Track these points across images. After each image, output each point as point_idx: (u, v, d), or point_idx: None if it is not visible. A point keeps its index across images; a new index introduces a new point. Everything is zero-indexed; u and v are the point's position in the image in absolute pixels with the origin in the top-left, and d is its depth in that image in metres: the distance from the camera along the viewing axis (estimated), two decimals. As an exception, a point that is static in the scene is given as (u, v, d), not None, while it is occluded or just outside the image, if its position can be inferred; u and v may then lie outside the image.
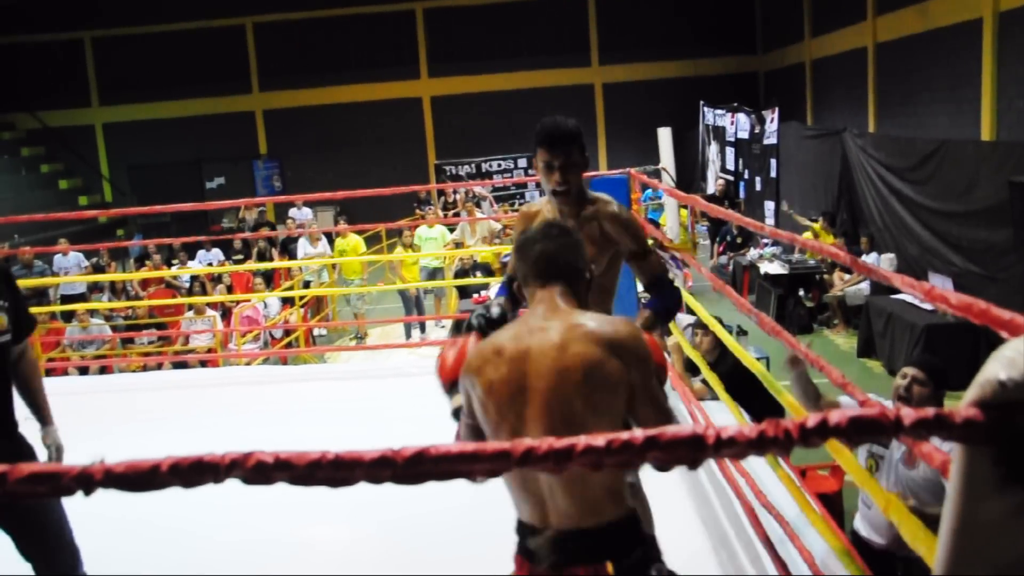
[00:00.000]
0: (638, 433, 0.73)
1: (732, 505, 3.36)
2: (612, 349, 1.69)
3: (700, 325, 4.63)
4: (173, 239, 10.99)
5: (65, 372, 7.84)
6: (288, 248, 11.68)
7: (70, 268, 11.20)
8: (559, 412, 1.69)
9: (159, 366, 7.87)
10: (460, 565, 2.85)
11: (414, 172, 19.34)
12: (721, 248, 12.37)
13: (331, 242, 11.36)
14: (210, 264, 11.18)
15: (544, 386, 1.70)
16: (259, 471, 0.71)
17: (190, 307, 9.11)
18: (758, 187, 13.71)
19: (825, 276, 9.89)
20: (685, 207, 10.73)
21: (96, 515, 2.65)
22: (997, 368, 0.81)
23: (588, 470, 1.59)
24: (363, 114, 20.43)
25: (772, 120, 12.99)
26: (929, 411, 0.78)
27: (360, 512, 3.35)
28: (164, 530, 3.41)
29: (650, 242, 2.85)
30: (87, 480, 0.72)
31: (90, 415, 5.09)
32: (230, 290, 9.97)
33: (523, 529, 1.81)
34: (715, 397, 4.00)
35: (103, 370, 7.95)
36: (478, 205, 14.01)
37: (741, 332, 6.59)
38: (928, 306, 7.36)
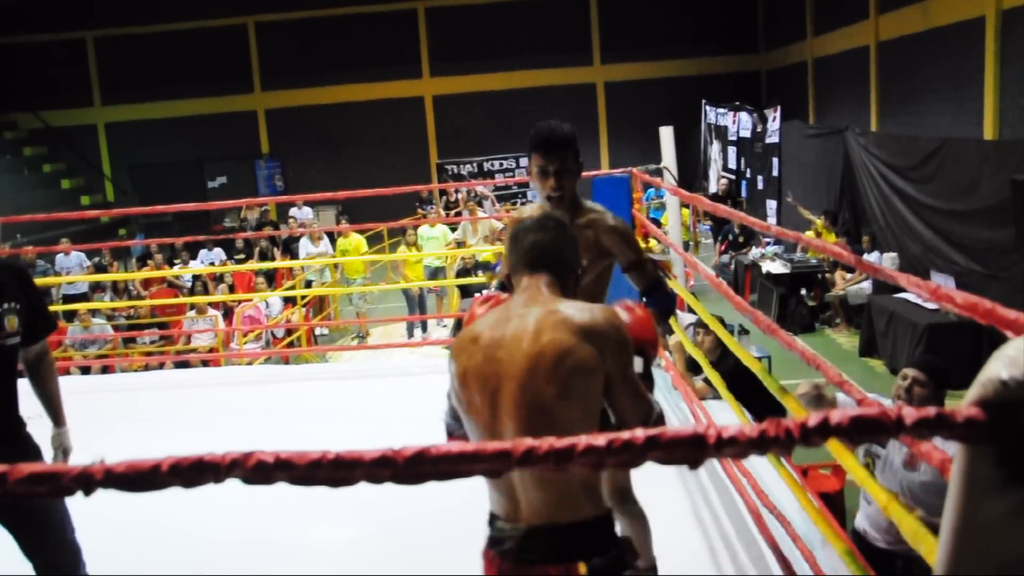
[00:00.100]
0: (639, 433, 0.73)
1: (734, 504, 3.36)
2: (587, 336, 1.67)
3: (702, 324, 4.63)
4: (175, 239, 11.01)
5: (67, 372, 7.84)
6: (290, 248, 11.69)
7: (72, 268, 11.20)
8: (531, 399, 1.67)
9: (161, 366, 7.87)
10: (461, 565, 2.85)
11: (416, 171, 19.34)
12: (723, 247, 12.36)
13: (333, 242, 11.36)
14: (212, 264, 11.18)
15: (516, 373, 1.68)
16: (259, 471, 0.71)
17: (192, 307, 9.12)
18: (760, 186, 13.71)
19: (827, 275, 9.88)
20: (687, 206, 10.74)
21: (98, 515, 2.65)
22: (999, 367, 0.81)
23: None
24: (365, 113, 20.44)
25: (774, 119, 12.99)
26: (930, 410, 0.78)
27: (361, 512, 3.35)
28: (165, 530, 3.41)
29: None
30: (87, 480, 0.72)
31: (92, 415, 5.09)
32: (232, 290, 9.98)
33: (494, 521, 1.77)
34: (717, 396, 4.00)
35: (105, 370, 7.96)
36: (480, 204, 14.02)
37: (743, 331, 6.58)
38: (930, 305, 7.36)
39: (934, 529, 1.82)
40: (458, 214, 13.96)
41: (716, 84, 19.04)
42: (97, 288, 10.70)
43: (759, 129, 13.58)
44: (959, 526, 0.84)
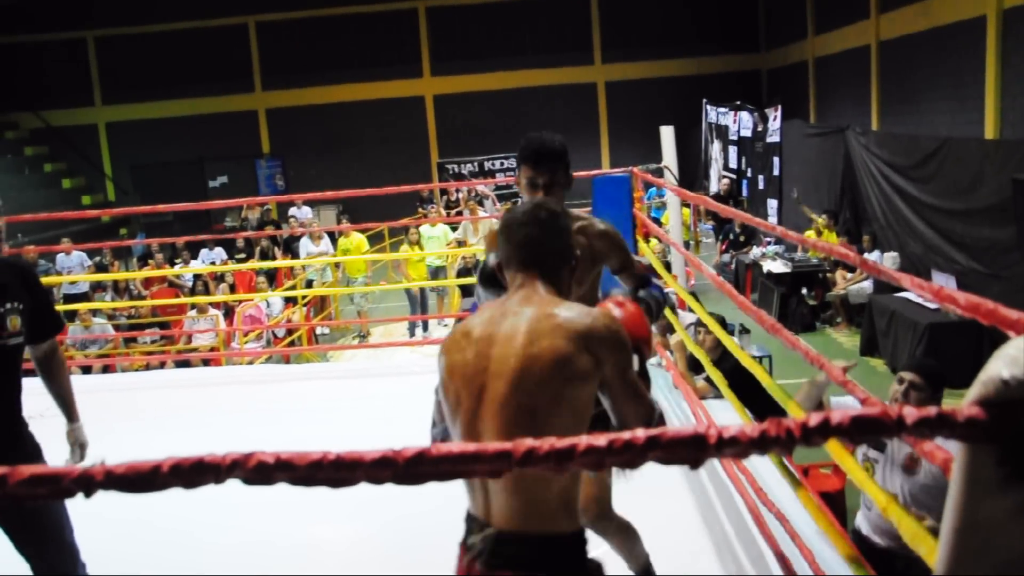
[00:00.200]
0: (639, 433, 0.73)
1: (734, 503, 3.36)
2: (585, 342, 1.64)
3: (703, 323, 4.63)
4: (176, 238, 11.00)
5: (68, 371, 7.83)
6: (291, 247, 11.69)
7: (73, 267, 11.21)
8: (519, 402, 1.63)
9: (162, 365, 7.87)
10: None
11: (417, 171, 19.34)
12: (724, 246, 12.36)
13: (334, 241, 11.36)
14: (213, 263, 11.19)
15: (506, 373, 1.64)
16: (260, 472, 0.71)
17: (193, 306, 9.12)
18: (761, 185, 13.70)
19: (828, 274, 9.88)
20: (687, 206, 10.73)
21: (99, 516, 2.65)
22: (1000, 366, 0.81)
23: (540, 473, 1.59)
24: (366, 113, 20.44)
25: (775, 118, 12.98)
26: (931, 410, 0.78)
27: (363, 511, 3.35)
28: (166, 531, 3.41)
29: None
30: (87, 482, 0.72)
31: (93, 414, 5.08)
32: (233, 289, 9.98)
33: (469, 520, 1.75)
34: (719, 395, 4.00)
35: (106, 369, 7.96)
36: (480, 204, 14.02)
37: (744, 331, 6.58)
38: (931, 304, 7.36)
39: (935, 533, 1.82)
40: (459, 213, 13.97)
41: (717, 83, 19.03)
42: (98, 288, 10.70)
43: (760, 128, 13.57)
44: (960, 525, 0.84)
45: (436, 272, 10.44)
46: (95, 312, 9.13)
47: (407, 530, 3.27)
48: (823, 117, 16.13)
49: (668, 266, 5.94)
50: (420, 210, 15.93)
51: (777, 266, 10.18)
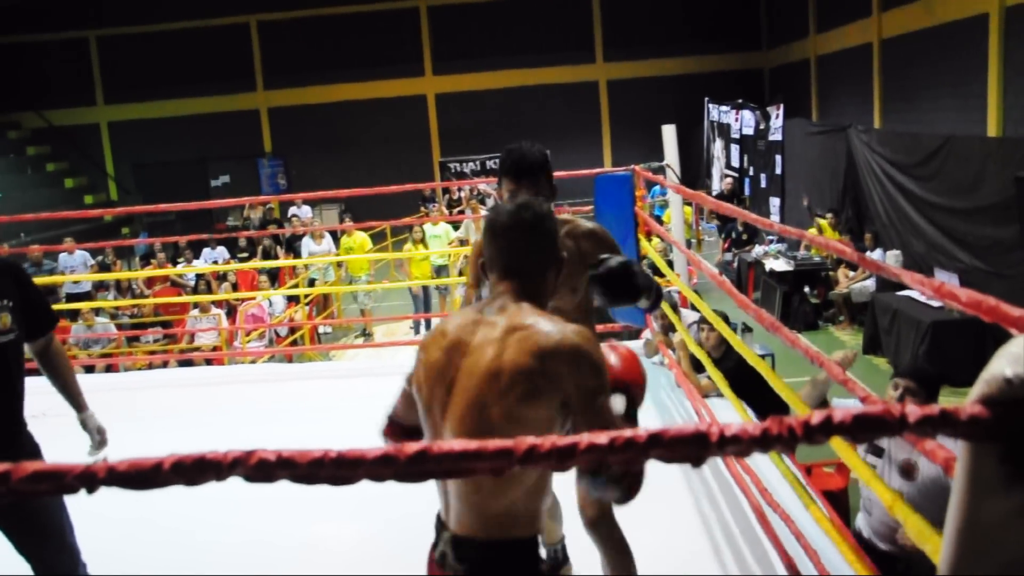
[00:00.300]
0: (640, 431, 0.73)
1: (737, 502, 3.36)
2: (546, 359, 1.58)
3: (705, 321, 4.63)
4: (178, 237, 11.01)
5: (71, 370, 7.84)
6: (293, 246, 11.70)
7: (76, 267, 11.22)
8: (477, 415, 1.61)
9: (165, 364, 7.88)
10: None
11: (419, 169, 19.35)
12: (726, 245, 12.35)
13: (336, 240, 11.36)
14: (215, 262, 11.19)
15: (470, 389, 1.62)
16: (261, 469, 0.71)
17: (195, 305, 9.12)
18: (763, 184, 13.69)
19: (830, 273, 9.87)
20: (689, 204, 10.72)
21: (101, 515, 2.65)
22: (1003, 364, 0.81)
23: (491, 480, 1.59)
24: (368, 112, 20.44)
25: (777, 116, 12.96)
26: (934, 408, 0.78)
27: (366, 509, 3.35)
28: (168, 530, 3.41)
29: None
30: (90, 479, 0.72)
31: (96, 413, 5.10)
32: (235, 288, 9.99)
33: (437, 523, 1.77)
34: (721, 393, 4.00)
35: (109, 368, 7.97)
36: (483, 202, 14.01)
37: (746, 329, 6.57)
38: (934, 302, 7.35)
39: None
40: (461, 212, 13.98)
41: (719, 82, 19.02)
42: (101, 287, 10.71)
43: (762, 127, 13.56)
44: (963, 525, 0.84)
45: (438, 271, 10.44)
46: (98, 311, 9.14)
47: (409, 529, 3.26)
48: (825, 115, 16.11)
49: (671, 264, 5.94)
50: (422, 209, 15.94)
51: (779, 264, 10.17)
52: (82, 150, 20.45)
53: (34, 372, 2.71)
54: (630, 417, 1.67)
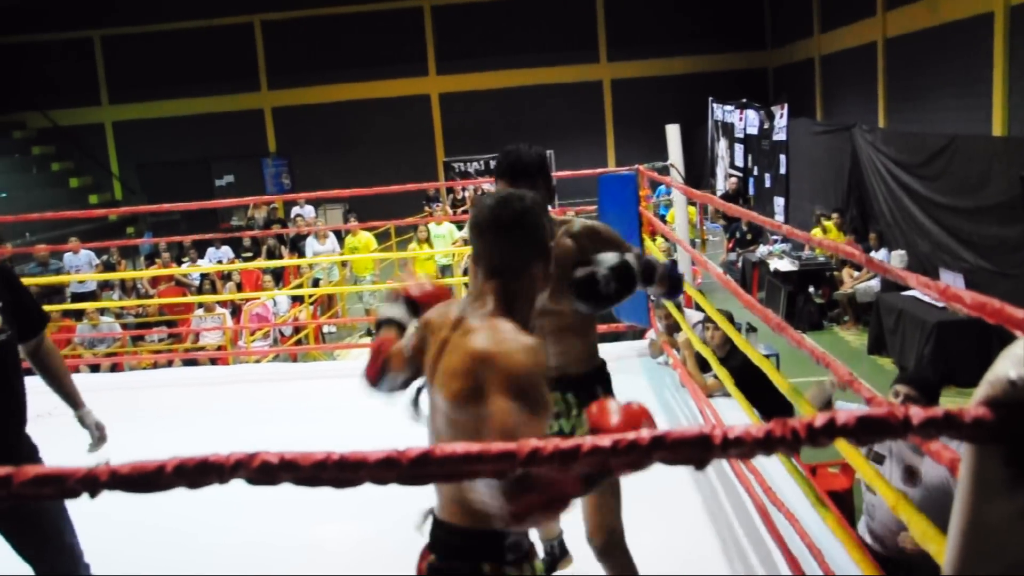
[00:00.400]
0: (644, 433, 0.73)
1: (742, 502, 3.35)
2: (477, 365, 1.57)
3: (710, 320, 4.62)
4: (183, 237, 11.03)
5: (76, 370, 7.87)
6: (297, 246, 11.71)
7: (81, 266, 11.24)
8: (443, 420, 1.67)
9: (169, 363, 7.90)
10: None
11: (423, 169, 19.36)
12: (730, 245, 12.34)
13: (340, 240, 11.38)
14: (220, 262, 11.21)
15: (439, 391, 1.67)
16: (264, 472, 0.71)
17: (200, 305, 9.15)
18: (767, 183, 13.68)
19: (835, 273, 9.86)
20: (693, 204, 10.71)
21: (104, 516, 2.65)
22: (1007, 366, 0.80)
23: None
24: (371, 111, 20.45)
25: (781, 116, 12.95)
26: (938, 410, 0.77)
27: (370, 509, 3.35)
28: (171, 531, 3.42)
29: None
30: (92, 482, 0.72)
31: (101, 412, 5.11)
32: (240, 288, 10.00)
33: (430, 513, 1.82)
34: (727, 392, 4.00)
35: (114, 367, 7.99)
36: (487, 202, 13.99)
37: (751, 329, 6.57)
38: (939, 303, 7.32)
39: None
40: (465, 212, 13.96)
41: (723, 81, 19.00)
42: (106, 286, 10.74)
43: (766, 126, 13.54)
44: (967, 527, 0.84)
45: (443, 270, 10.45)
46: (103, 311, 9.16)
47: (412, 530, 3.27)
48: (830, 115, 16.08)
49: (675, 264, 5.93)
50: (426, 208, 15.94)
51: (784, 264, 10.16)
52: (87, 150, 20.49)
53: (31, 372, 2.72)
54: (592, 479, 1.48)
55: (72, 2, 19.77)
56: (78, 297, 10.59)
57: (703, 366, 4.60)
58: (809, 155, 12.20)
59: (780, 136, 12.94)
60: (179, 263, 11.62)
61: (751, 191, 14.44)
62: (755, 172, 14.39)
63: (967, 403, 0.82)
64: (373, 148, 20.36)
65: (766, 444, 0.74)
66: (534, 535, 1.92)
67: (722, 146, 16.26)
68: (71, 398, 2.75)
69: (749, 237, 11.85)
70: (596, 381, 2.52)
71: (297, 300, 10.01)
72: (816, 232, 9.71)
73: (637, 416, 1.45)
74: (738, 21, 20.06)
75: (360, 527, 3.47)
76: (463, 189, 15.71)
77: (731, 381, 3.44)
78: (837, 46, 15.63)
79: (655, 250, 5.52)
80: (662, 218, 11.08)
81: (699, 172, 16.88)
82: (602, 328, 5.34)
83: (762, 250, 11.19)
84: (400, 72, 20.40)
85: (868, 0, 13.71)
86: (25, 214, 7.75)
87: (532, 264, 1.71)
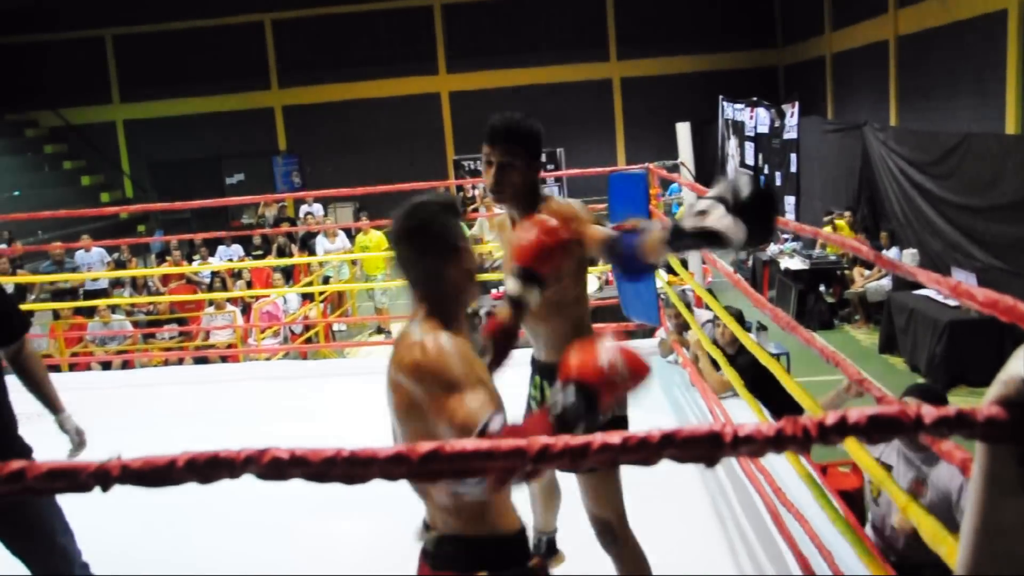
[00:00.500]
0: (654, 431, 0.73)
1: (752, 502, 3.34)
2: (405, 375, 1.65)
3: (718, 317, 4.62)
4: (194, 235, 11.06)
5: (88, 367, 7.91)
6: (308, 244, 11.74)
7: (93, 264, 11.31)
8: (401, 433, 1.75)
9: (180, 361, 7.93)
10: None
11: (433, 167, 19.37)
12: (740, 243, 12.28)
13: (351, 237, 11.40)
14: (230, 260, 11.25)
15: (391, 409, 1.76)
16: (274, 467, 0.72)
17: (211, 303, 9.18)
18: (778, 182, 13.63)
19: (846, 272, 9.82)
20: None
21: (106, 515, 2.67)
22: (1020, 365, 0.80)
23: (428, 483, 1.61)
24: (382, 110, 20.47)
25: (792, 114, 12.90)
26: (950, 409, 0.77)
27: (380, 505, 3.35)
28: (172, 532, 3.43)
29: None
30: (104, 476, 0.73)
31: (112, 409, 5.15)
32: (250, 286, 10.03)
33: (423, 526, 1.84)
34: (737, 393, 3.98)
35: (125, 365, 8.03)
36: (497, 201, 14.00)
37: (761, 328, 6.55)
38: (951, 302, 7.29)
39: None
40: (475, 210, 13.96)
41: (733, 79, 18.93)
42: (117, 284, 10.79)
43: (777, 125, 13.50)
44: (980, 526, 0.83)
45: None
46: (114, 308, 9.21)
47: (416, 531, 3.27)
48: (841, 113, 16.00)
49: (684, 263, 5.92)
50: (436, 207, 15.93)
51: (795, 263, 10.13)
52: (98, 148, 20.58)
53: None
54: (586, 416, 1.47)
55: (83, 1, 19.85)
56: (90, 295, 10.65)
57: (716, 365, 4.59)
58: (820, 154, 12.15)
59: (791, 134, 12.89)
60: (190, 261, 11.66)
61: (762, 190, 14.37)
62: (765, 171, 14.34)
63: (979, 403, 0.81)
64: (383, 146, 20.37)
65: (777, 442, 0.74)
66: (530, 534, 1.91)
67: (732, 144, 16.20)
68: (51, 403, 2.73)
69: (759, 236, 11.80)
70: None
71: (307, 298, 10.03)
72: (827, 230, 9.66)
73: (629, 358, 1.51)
74: (748, 19, 19.98)
75: (370, 523, 3.47)
76: (473, 187, 15.69)
77: (740, 381, 3.44)
78: (848, 44, 15.55)
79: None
80: (672, 216, 11.05)
81: (709, 170, 16.81)
82: (612, 327, 5.34)
83: (773, 249, 11.15)
84: (410, 71, 20.41)
85: (880, -2, 13.64)
86: (37, 212, 7.79)
87: (444, 268, 1.74)
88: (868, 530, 3.36)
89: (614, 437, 0.73)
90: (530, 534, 1.88)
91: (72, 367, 7.24)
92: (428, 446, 0.72)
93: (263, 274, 10.46)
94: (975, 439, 0.81)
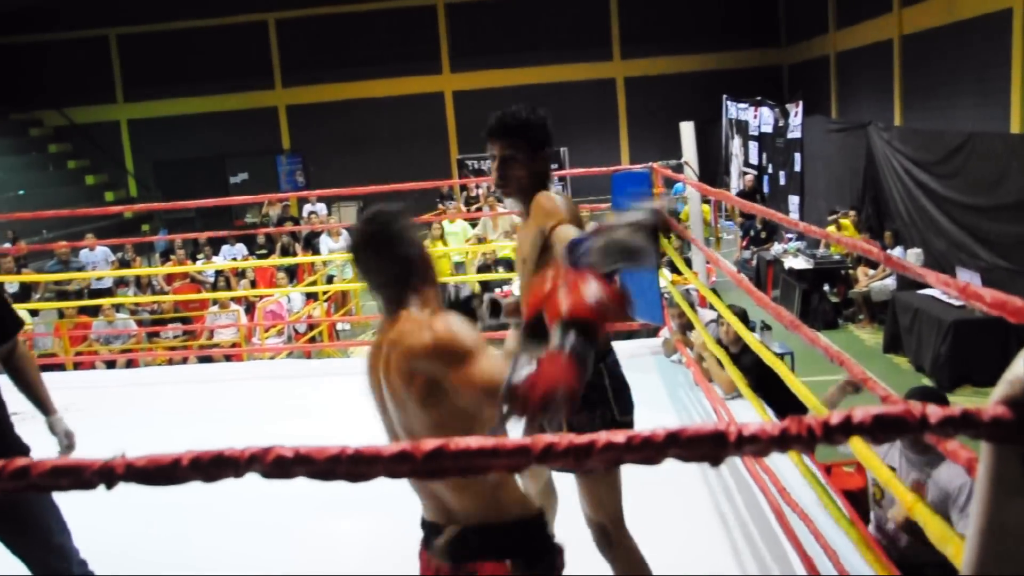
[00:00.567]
0: (659, 430, 0.72)
1: (756, 502, 3.34)
2: (417, 362, 1.68)
3: (722, 317, 4.61)
4: (198, 234, 11.07)
5: (92, 366, 7.93)
6: (311, 243, 11.75)
7: (97, 263, 11.33)
8: (406, 432, 1.77)
9: (184, 360, 7.94)
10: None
11: (436, 167, 19.37)
12: (744, 243, 12.29)
13: (354, 237, 11.38)
14: (234, 259, 11.26)
15: (391, 412, 1.78)
16: (279, 466, 0.72)
17: (215, 302, 9.19)
18: (782, 181, 13.61)
19: (850, 271, 9.80)
20: (707, 201, 10.68)
21: (107, 514, 2.67)
22: (1026, 365, 0.79)
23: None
24: (385, 109, 20.49)
25: (796, 114, 12.88)
26: (956, 409, 0.76)
27: (384, 505, 3.35)
28: (174, 531, 3.43)
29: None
30: (109, 474, 0.73)
31: (116, 408, 5.16)
32: (254, 285, 10.04)
33: (425, 527, 1.86)
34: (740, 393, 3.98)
35: (129, 364, 8.04)
36: (500, 200, 14.02)
37: (765, 327, 6.55)
38: (955, 301, 7.27)
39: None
40: (478, 209, 13.98)
41: (737, 79, 18.91)
42: (121, 283, 10.81)
43: (781, 124, 13.48)
44: (986, 527, 0.83)
45: (456, 268, 10.46)
46: (118, 307, 9.22)
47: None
48: (845, 112, 15.98)
49: (688, 262, 5.92)
50: (440, 206, 15.96)
51: (799, 263, 10.12)
52: (102, 147, 20.63)
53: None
54: (580, 351, 1.46)
55: (88, 1, 19.89)
56: (94, 294, 10.67)
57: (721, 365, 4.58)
58: (824, 153, 12.13)
59: (795, 134, 12.88)
60: (194, 260, 11.68)
61: (766, 189, 14.38)
62: (769, 170, 14.32)
63: (984, 403, 0.81)
64: (387, 145, 20.39)
65: (782, 441, 0.74)
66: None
67: (736, 144, 16.19)
68: (43, 404, 2.73)
69: (763, 235, 11.80)
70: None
71: (311, 297, 10.04)
72: (831, 230, 9.65)
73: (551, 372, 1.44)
74: (752, 18, 19.96)
75: (373, 522, 3.47)
76: (477, 186, 15.71)
77: (743, 381, 3.43)
78: (852, 43, 15.52)
79: (669, 248, 5.50)
80: (674, 214, 11.05)
81: (713, 170, 16.81)
82: (616, 325, 5.33)
83: (776, 248, 11.14)
84: (414, 70, 20.42)
85: (884, -3, 13.61)
86: (41, 211, 7.81)
87: (410, 274, 1.80)
88: (871, 531, 3.36)
89: (618, 436, 0.73)
90: None
91: (76, 366, 7.25)
92: (432, 444, 0.72)
93: (267, 273, 10.47)
94: (980, 439, 0.81)
